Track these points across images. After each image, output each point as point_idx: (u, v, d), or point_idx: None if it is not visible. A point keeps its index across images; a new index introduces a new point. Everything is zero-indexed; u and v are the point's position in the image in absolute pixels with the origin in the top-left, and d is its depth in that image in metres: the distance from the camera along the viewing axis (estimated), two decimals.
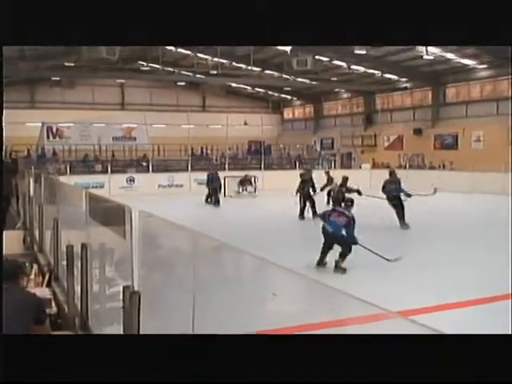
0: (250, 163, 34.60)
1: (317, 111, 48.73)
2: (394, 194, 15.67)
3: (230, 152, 35.37)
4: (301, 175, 18.66)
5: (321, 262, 10.52)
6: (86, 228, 6.24)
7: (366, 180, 27.74)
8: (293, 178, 27.73)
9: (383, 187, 16.24)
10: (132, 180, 27.73)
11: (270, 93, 48.64)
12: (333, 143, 43.98)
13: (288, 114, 53.65)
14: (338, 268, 10.23)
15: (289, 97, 50.49)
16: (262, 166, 30.49)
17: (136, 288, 4.88)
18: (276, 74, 38.47)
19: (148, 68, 36.85)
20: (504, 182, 23.05)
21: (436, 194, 17.69)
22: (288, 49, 28.98)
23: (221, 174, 26.91)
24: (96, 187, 24.12)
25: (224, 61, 35.38)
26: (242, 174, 27.30)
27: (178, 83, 42.84)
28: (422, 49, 29.45)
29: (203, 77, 37.63)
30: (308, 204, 17.39)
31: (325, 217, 10.88)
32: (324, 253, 10.53)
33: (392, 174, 16.88)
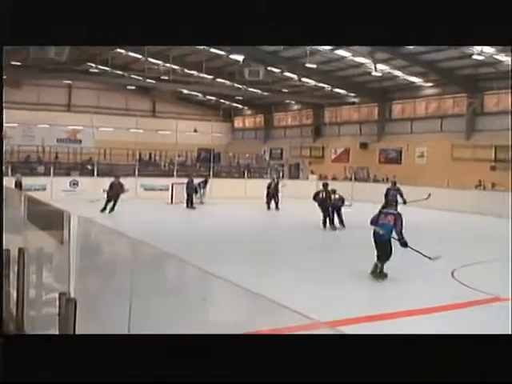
0: (198, 170, 34.49)
1: (267, 121, 49.05)
2: (396, 200, 18.23)
3: (178, 159, 35.14)
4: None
5: (381, 269, 10.45)
6: (24, 232, 6.12)
7: (313, 190, 28.07)
8: (241, 186, 27.99)
9: (386, 194, 19.85)
10: (76, 183, 27.19)
11: (222, 101, 48.69)
12: (282, 153, 44.35)
13: (238, 122, 53.79)
14: (375, 273, 10.35)
15: (240, 106, 50.65)
16: (211, 174, 30.47)
17: (72, 295, 4.81)
18: (228, 82, 38.57)
19: (97, 70, 36.31)
20: (446, 198, 23.75)
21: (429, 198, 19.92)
22: (240, 58, 29.12)
23: (168, 181, 26.85)
24: (38, 190, 23.51)
25: (176, 67, 35.25)
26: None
27: (128, 87, 42.39)
28: (370, 65, 30.10)
29: (154, 82, 37.35)
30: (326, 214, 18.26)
31: (373, 221, 10.88)
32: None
33: (394, 184, 20.97)
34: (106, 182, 25.44)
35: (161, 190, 27.23)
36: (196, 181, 25.94)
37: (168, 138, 37.09)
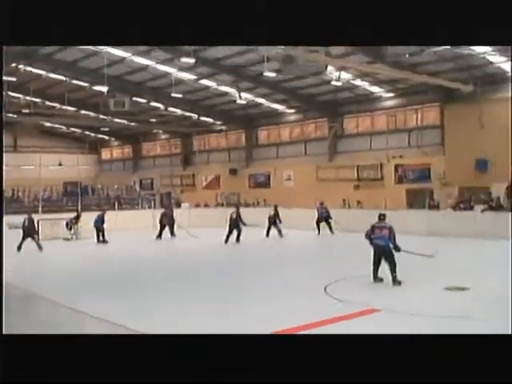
0: (66, 205, 33.19)
1: (135, 152, 48.57)
2: (325, 216, 23.87)
3: (43, 194, 33.63)
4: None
5: (376, 277, 11.83)
6: None
7: (186, 218, 28.20)
8: (112, 218, 27.32)
9: (317, 210, 24.08)
10: None
11: (87, 133, 47.52)
12: (152, 183, 43.98)
13: (106, 154, 52.74)
14: (396, 282, 11.50)
15: (106, 137, 49.70)
16: (79, 208, 29.48)
17: None
18: (92, 114, 37.75)
19: None
20: (310, 218, 24.65)
21: None
22: (104, 89, 28.67)
23: (34, 217, 25.54)
24: None
25: (37, 99, 33.99)
26: (57, 216, 26.10)
27: None
28: (235, 94, 30.82)
29: (15, 116, 35.72)
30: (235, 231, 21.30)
31: (368, 235, 12.09)
32: (376, 267, 11.85)
33: (322, 203, 24.35)
34: None
35: None
36: (70, 216, 25.14)
37: (31, 172, 35.56)
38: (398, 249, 11.74)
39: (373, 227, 12.13)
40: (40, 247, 20.41)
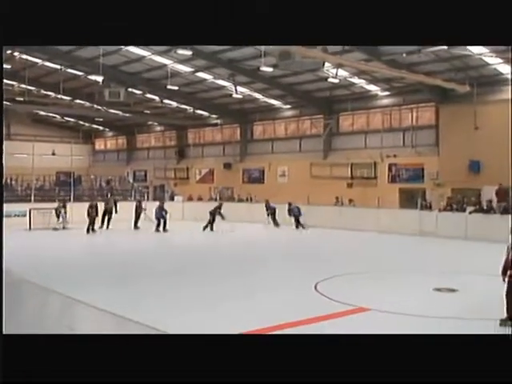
0: (58, 195, 33.04)
1: (130, 143, 48.43)
2: (296, 214, 25.22)
3: (36, 183, 33.50)
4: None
5: None
6: None
7: (179, 211, 28.12)
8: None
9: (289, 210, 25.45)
10: None
11: (81, 122, 47.36)
12: (146, 175, 43.89)
13: (100, 144, 52.58)
14: None
15: (101, 127, 49.52)
16: (72, 198, 29.39)
17: None
18: (87, 103, 37.60)
19: None
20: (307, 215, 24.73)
21: None
22: (100, 79, 28.54)
23: (26, 206, 25.51)
24: None
25: (31, 87, 33.81)
26: (49, 205, 25.97)
27: None
28: (231, 88, 30.77)
29: (9, 103, 35.52)
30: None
31: None
32: None
33: (291, 204, 25.60)
34: None
35: (17, 216, 25.81)
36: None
37: (24, 161, 35.31)
38: None
39: None
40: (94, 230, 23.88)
